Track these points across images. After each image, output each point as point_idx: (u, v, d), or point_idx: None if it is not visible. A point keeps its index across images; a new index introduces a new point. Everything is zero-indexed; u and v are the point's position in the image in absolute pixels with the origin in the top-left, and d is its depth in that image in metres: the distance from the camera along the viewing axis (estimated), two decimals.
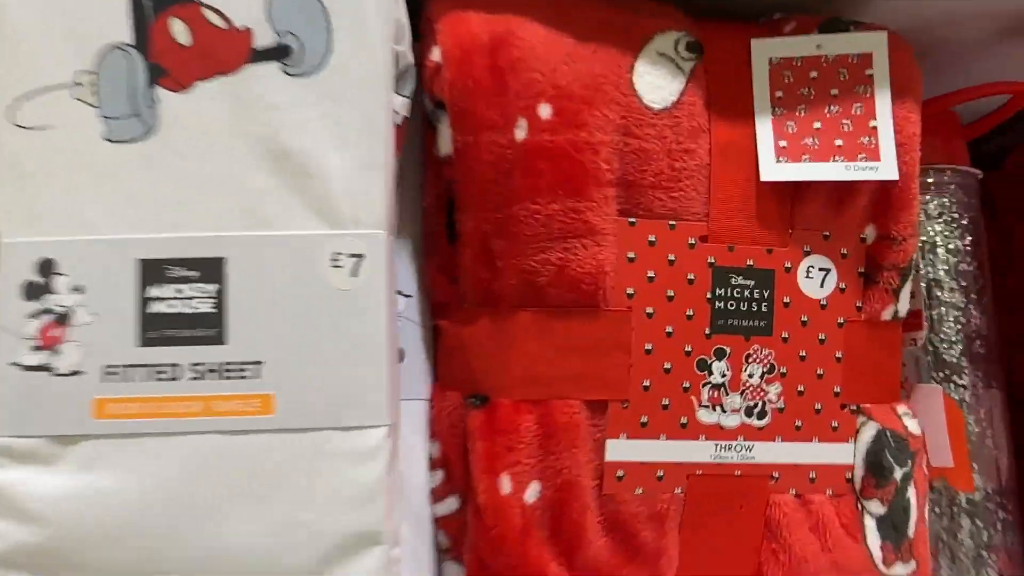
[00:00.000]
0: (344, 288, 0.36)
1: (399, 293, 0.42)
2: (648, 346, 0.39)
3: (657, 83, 0.40)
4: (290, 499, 0.35)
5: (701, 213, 0.40)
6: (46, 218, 0.35)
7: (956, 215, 0.49)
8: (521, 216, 0.39)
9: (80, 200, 0.35)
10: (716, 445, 0.40)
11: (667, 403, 0.40)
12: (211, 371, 0.35)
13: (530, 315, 0.39)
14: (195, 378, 0.35)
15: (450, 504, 0.41)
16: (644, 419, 0.39)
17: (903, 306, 0.44)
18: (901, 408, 0.44)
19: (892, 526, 0.42)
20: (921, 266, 0.48)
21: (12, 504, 0.34)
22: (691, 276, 0.40)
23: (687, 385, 0.40)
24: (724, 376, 0.40)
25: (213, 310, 0.35)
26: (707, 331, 0.40)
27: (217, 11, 0.35)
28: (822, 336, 0.41)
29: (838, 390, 0.42)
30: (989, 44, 0.49)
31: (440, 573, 0.42)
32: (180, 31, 0.35)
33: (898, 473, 0.42)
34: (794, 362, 0.41)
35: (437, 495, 0.41)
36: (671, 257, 0.40)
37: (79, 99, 0.35)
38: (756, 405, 0.41)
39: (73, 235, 0.35)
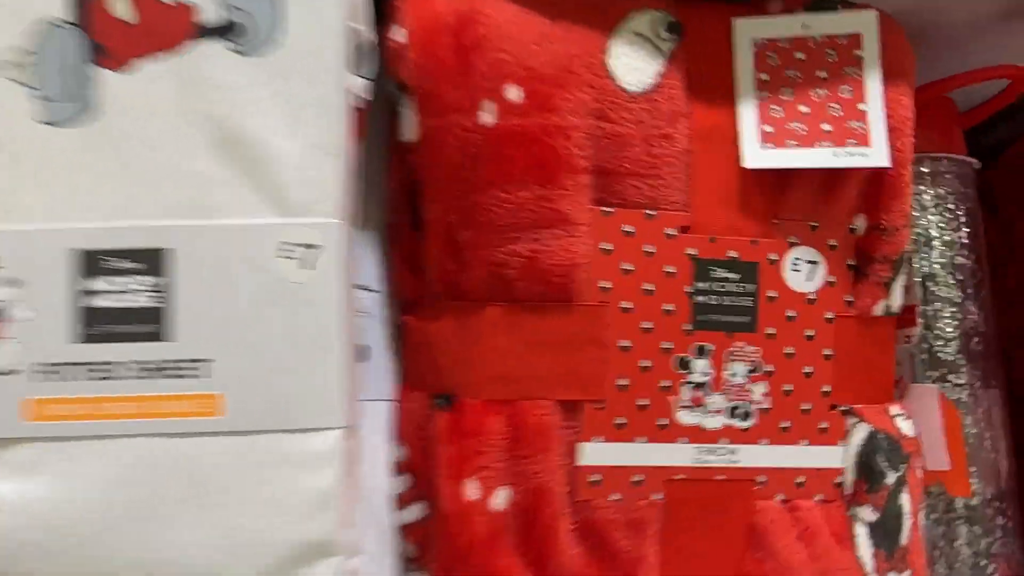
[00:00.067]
0: (297, 281, 0.34)
1: (363, 288, 0.40)
2: (624, 343, 0.37)
3: (634, 65, 0.38)
4: (237, 506, 0.33)
5: (681, 202, 0.38)
6: None
7: (952, 206, 0.47)
8: (488, 205, 0.37)
9: (14, 187, 0.33)
10: (697, 448, 0.38)
11: (645, 403, 0.38)
12: (154, 370, 0.33)
13: (499, 310, 0.37)
14: (137, 377, 0.33)
15: (416, 511, 0.39)
16: (620, 420, 0.38)
17: (896, 301, 0.42)
18: (894, 409, 0.42)
19: (885, 533, 0.40)
20: (915, 260, 0.46)
21: None
22: (670, 269, 0.38)
23: (666, 384, 0.38)
24: (706, 375, 0.38)
25: (157, 305, 0.33)
26: (687, 327, 0.38)
27: None
28: (810, 332, 0.40)
29: (827, 390, 0.40)
30: (986, 27, 0.47)
31: None
32: (121, 6, 0.33)
33: (891, 477, 0.40)
34: (780, 360, 0.39)
35: (402, 501, 0.39)
36: (649, 249, 0.38)
37: (12, 79, 0.33)
38: (740, 406, 0.39)
39: (6, 224, 0.33)
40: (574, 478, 0.37)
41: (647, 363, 0.38)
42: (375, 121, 0.40)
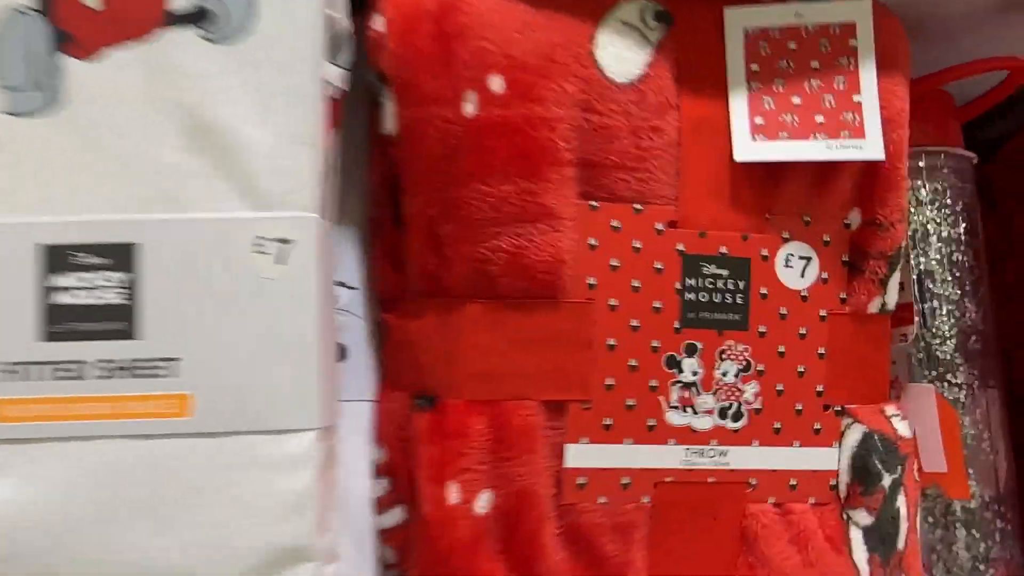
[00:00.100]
0: (270, 277, 0.32)
1: (343, 285, 0.39)
2: (611, 341, 0.36)
3: (621, 55, 0.37)
4: (208, 510, 0.32)
5: (669, 196, 0.37)
6: None
7: (950, 201, 0.46)
8: (470, 198, 0.35)
9: None
10: (687, 450, 0.37)
11: (632, 404, 0.37)
12: (121, 369, 0.32)
13: (481, 307, 0.36)
14: (104, 377, 0.32)
15: (396, 515, 0.38)
16: (607, 421, 0.36)
17: (891, 298, 0.41)
18: (890, 409, 0.41)
19: (880, 538, 0.39)
20: (912, 256, 0.45)
21: None
22: (659, 265, 0.37)
23: (654, 384, 0.37)
24: (695, 374, 0.37)
25: (124, 301, 0.32)
26: (676, 325, 0.37)
27: None
28: (803, 330, 0.38)
29: (821, 389, 0.39)
30: (983, 19, 0.46)
31: None
32: None
33: (887, 480, 0.39)
34: (772, 359, 0.38)
35: (382, 505, 0.38)
36: (636, 244, 0.37)
37: None
38: (731, 406, 0.38)
39: None
40: (559, 481, 0.36)
41: (635, 362, 0.37)
42: (357, 114, 0.39)
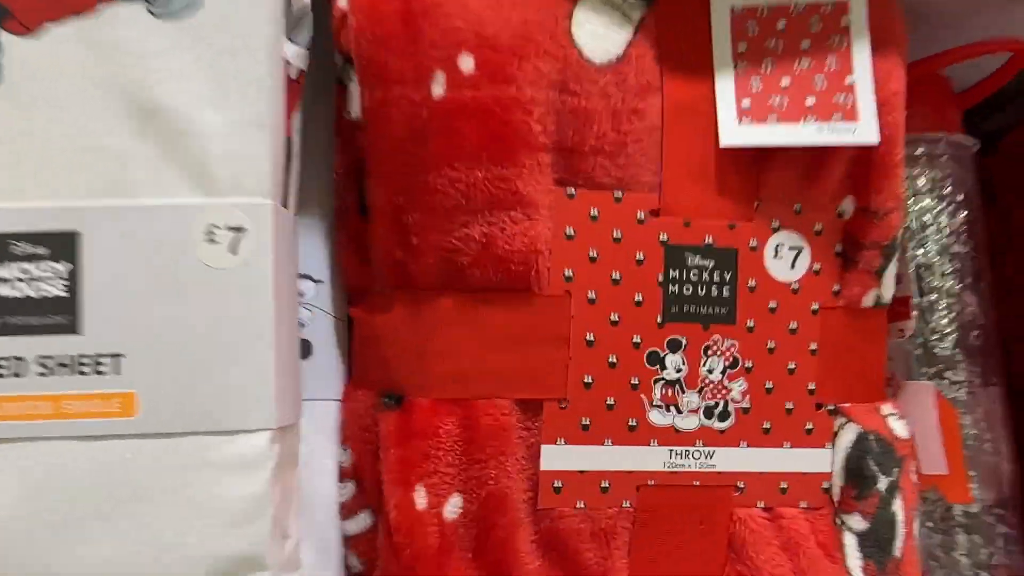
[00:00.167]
0: (222, 267, 0.30)
1: (308, 278, 0.37)
2: (590, 337, 0.34)
3: (600, 33, 0.35)
4: (156, 515, 0.30)
5: (652, 183, 0.35)
6: None
7: (949, 190, 0.45)
8: (438, 185, 0.33)
9: None
10: (670, 451, 0.35)
11: (612, 403, 0.35)
12: (62, 366, 0.30)
13: (451, 300, 0.34)
14: (43, 374, 0.30)
15: (362, 520, 0.36)
16: (585, 421, 0.35)
17: (887, 291, 0.39)
18: (886, 408, 0.39)
19: (876, 543, 0.37)
20: (909, 248, 0.44)
21: None
22: (640, 256, 0.35)
23: (636, 382, 0.35)
24: (679, 371, 0.35)
25: (65, 294, 0.30)
26: (659, 319, 0.35)
27: None
28: (793, 325, 0.37)
29: (812, 387, 0.37)
30: (984, 2, 0.45)
31: None
32: None
33: (882, 482, 0.37)
34: (761, 355, 0.36)
35: (347, 510, 0.36)
36: (616, 234, 0.35)
37: None
38: (717, 405, 0.36)
39: None
40: (534, 484, 0.34)
41: (614, 359, 0.35)
42: (322, 99, 0.37)
